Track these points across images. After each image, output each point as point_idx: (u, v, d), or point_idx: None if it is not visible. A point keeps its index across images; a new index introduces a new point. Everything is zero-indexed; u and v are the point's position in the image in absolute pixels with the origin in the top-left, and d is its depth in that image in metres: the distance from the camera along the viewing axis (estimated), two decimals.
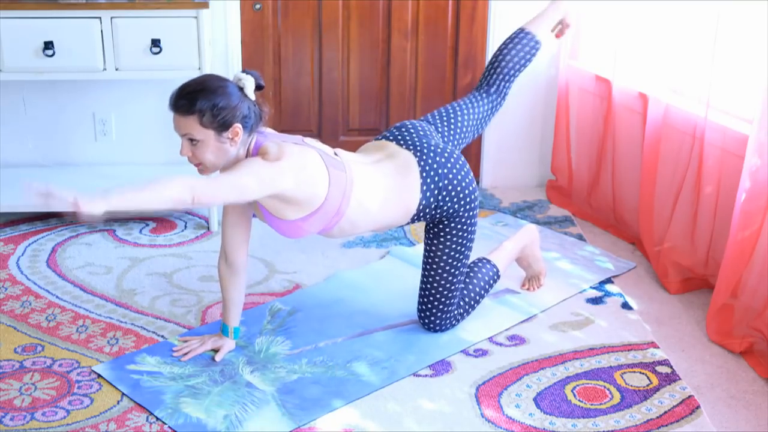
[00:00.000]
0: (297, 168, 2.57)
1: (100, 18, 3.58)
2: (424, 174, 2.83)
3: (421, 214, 2.86)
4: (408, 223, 2.90)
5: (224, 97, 2.55)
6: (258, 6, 4.16)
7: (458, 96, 4.39)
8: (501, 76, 3.16)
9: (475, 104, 3.12)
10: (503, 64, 3.16)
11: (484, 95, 3.14)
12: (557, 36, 3.41)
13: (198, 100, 2.53)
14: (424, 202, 2.83)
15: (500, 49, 3.19)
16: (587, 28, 4.11)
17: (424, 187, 2.82)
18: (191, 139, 2.56)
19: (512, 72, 3.17)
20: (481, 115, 3.12)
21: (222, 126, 2.55)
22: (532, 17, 3.31)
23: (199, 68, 3.64)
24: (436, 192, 2.84)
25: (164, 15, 3.60)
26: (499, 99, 3.16)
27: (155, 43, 3.60)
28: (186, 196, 2.41)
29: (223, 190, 2.49)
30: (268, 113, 2.70)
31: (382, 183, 2.79)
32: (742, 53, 3.17)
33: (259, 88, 2.65)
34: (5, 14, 3.53)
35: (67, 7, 3.56)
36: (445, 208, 2.86)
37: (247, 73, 2.63)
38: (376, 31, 4.27)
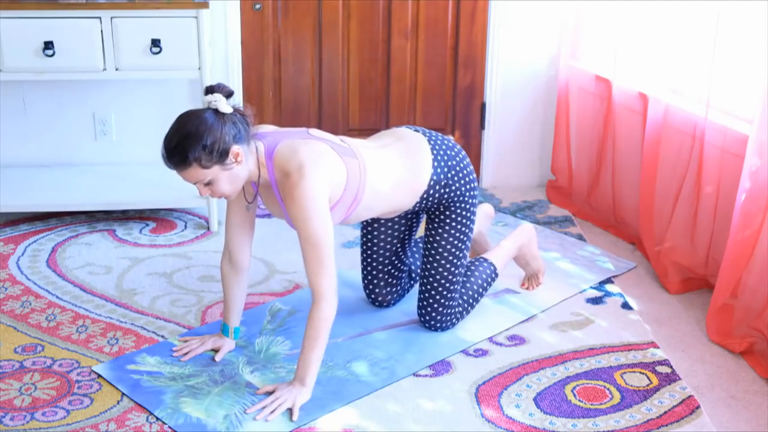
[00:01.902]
0: (321, 174, 2.60)
1: (100, 18, 3.58)
2: (434, 151, 2.90)
3: (431, 192, 2.89)
4: (417, 204, 2.91)
5: (207, 132, 2.50)
6: (258, 6, 4.16)
7: (458, 96, 4.39)
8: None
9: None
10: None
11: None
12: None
13: (187, 151, 2.49)
14: (434, 177, 2.87)
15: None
16: (587, 28, 4.11)
17: (435, 163, 2.88)
18: (202, 183, 2.57)
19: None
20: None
21: (221, 157, 2.52)
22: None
23: (199, 68, 3.65)
24: (446, 169, 2.89)
25: (164, 15, 3.60)
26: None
27: (155, 43, 3.60)
28: (332, 312, 2.60)
29: (330, 256, 2.58)
30: (252, 113, 2.65)
31: (392, 163, 2.84)
32: (742, 53, 3.17)
33: (229, 95, 2.59)
34: (5, 14, 3.53)
35: (67, 7, 3.56)
36: (453, 188, 2.90)
37: (213, 91, 2.57)
38: (376, 31, 4.27)
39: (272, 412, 2.59)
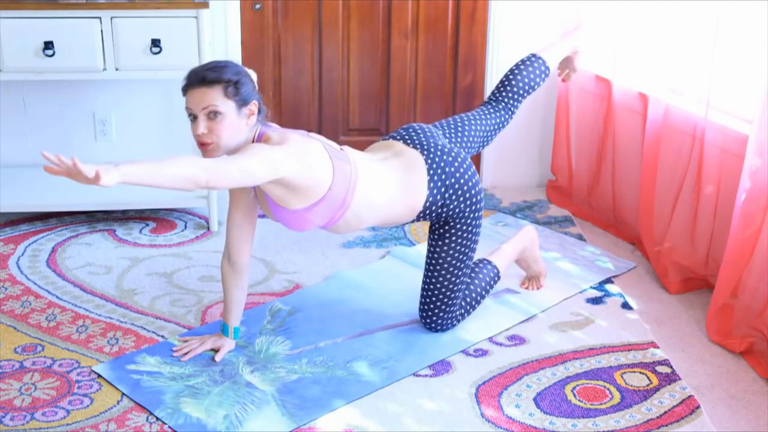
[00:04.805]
0: (300, 152, 2.59)
1: (100, 18, 3.58)
2: (431, 172, 2.84)
3: (427, 212, 2.87)
4: (413, 221, 2.91)
5: (246, 77, 2.65)
6: (258, 6, 4.16)
7: (458, 96, 4.39)
8: (511, 94, 3.21)
9: (484, 117, 3.15)
10: (513, 83, 3.22)
11: (492, 110, 3.17)
12: (563, 80, 3.50)
13: (225, 74, 2.59)
14: (431, 199, 2.84)
15: (511, 70, 3.26)
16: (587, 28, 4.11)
17: (431, 185, 2.83)
18: (212, 112, 2.57)
19: (522, 91, 3.23)
20: (488, 128, 3.15)
21: (243, 101, 2.60)
22: (544, 46, 3.39)
23: None
24: (443, 190, 2.85)
25: (164, 15, 3.60)
26: (506, 116, 3.20)
27: (155, 43, 3.60)
28: (198, 174, 2.39)
29: (233, 171, 2.47)
30: (268, 113, 2.74)
31: (389, 179, 2.80)
32: (742, 53, 3.17)
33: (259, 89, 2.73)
34: (5, 14, 3.53)
35: (67, 7, 3.56)
36: (452, 207, 2.87)
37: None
38: (376, 31, 4.27)
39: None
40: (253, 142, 2.65)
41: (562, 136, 4.23)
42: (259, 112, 2.67)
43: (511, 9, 4.22)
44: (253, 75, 2.70)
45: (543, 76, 3.27)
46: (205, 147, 2.60)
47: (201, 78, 2.58)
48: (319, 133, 4.38)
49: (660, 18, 3.47)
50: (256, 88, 2.70)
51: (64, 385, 2.75)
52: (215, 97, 2.56)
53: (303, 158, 2.59)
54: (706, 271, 3.39)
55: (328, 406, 2.66)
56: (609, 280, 3.48)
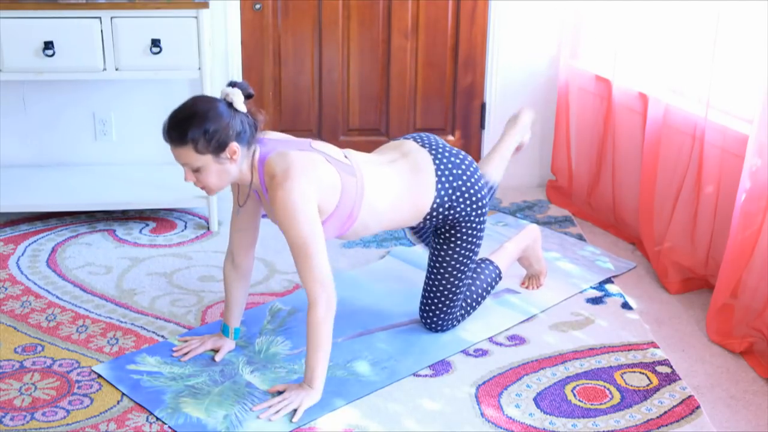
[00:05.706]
0: (308, 175, 2.57)
1: (100, 18, 3.58)
2: (439, 172, 2.84)
3: (434, 214, 2.86)
4: (420, 223, 2.90)
5: (214, 119, 2.50)
6: (258, 6, 4.16)
7: (458, 96, 4.39)
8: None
9: None
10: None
11: None
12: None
13: (189, 129, 2.48)
14: (438, 200, 2.84)
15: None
16: (587, 28, 4.11)
17: (439, 186, 2.83)
18: (191, 169, 2.55)
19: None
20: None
21: (218, 148, 2.52)
22: (489, 155, 3.24)
23: (199, 68, 3.65)
24: (450, 191, 2.84)
25: (164, 15, 3.60)
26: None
27: (155, 43, 3.60)
28: (329, 307, 2.58)
29: (319, 259, 2.55)
30: (264, 120, 2.65)
31: (395, 182, 2.80)
32: (742, 53, 3.17)
33: (248, 97, 2.60)
34: (5, 14, 3.53)
35: (67, 7, 3.56)
36: (458, 209, 2.87)
37: (234, 86, 2.58)
38: (376, 31, 4.27)
39: (277, 411, 2.60)
40: (252, 168, 2.61)
41: (562, 136, 4.23)
42: (243, 142, 2.55)
43: (511, 9, 4.22)
44: (235, 94, 2.54)
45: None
46: (202, 189, 2.63)
47: (169, 138, 2.53)
48: (320, 133, 4.38)
49: (660, 18, 3.47)
50: (238, 111, 2.55)
51: (64, 385, 2.75)
52: (188, 156, 2.52)
53: (312, 183, 2.57)
54: (706, 271, 3.39)
55: (328, 406, 2.66)
56: (609, 280, 3.48)
